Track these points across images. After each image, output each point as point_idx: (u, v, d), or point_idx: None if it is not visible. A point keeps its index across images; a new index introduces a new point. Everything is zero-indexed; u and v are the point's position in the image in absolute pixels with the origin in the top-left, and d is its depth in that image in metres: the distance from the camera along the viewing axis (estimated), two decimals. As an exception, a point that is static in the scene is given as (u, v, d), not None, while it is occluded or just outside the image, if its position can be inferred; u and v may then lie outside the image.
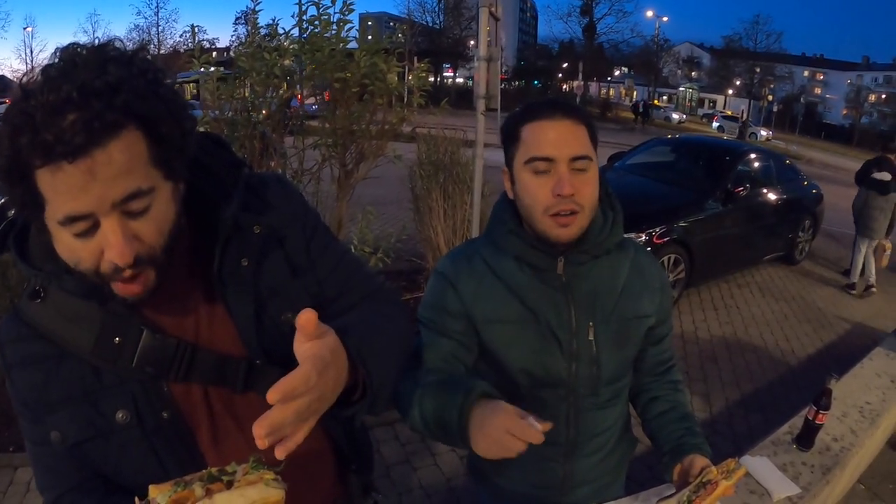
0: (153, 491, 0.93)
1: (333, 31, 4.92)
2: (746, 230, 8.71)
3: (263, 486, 0.96)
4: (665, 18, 71.53)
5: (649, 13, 70.16)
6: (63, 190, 0.95)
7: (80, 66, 0.96)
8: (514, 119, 1.66)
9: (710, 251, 7.95)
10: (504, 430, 1.33)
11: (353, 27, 5.11)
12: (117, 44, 1.04)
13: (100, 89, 0.93)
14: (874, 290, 9.51)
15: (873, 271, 9.49)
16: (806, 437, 2.99)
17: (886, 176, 9.01)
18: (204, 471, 0.97)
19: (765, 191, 9.26)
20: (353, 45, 5.17)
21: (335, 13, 4.94)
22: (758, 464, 2.75)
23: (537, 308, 1.71)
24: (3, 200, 1.05)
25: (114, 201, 0.98)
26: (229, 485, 0.96)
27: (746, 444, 3.09)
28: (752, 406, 5.64)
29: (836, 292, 9.44)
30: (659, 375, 1.95)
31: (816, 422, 2.91)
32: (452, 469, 4.38)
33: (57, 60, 0.98)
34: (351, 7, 4.99)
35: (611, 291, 1.75)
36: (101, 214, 0.98)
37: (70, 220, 0.98)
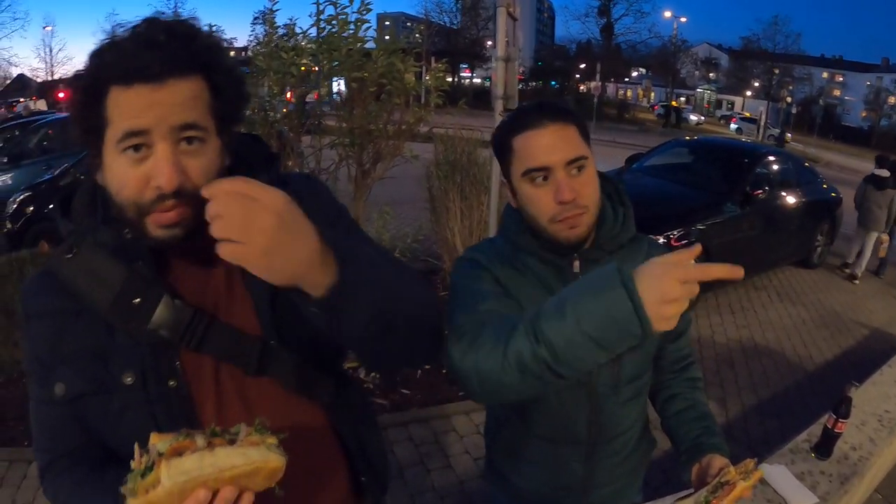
0: (154, 438, 0.94)
1: (351, 31, 4.93)
2: (764, 233, 8.64)
3: (265, 449, 0.97)
4: (683, 19, 71.24)
5: (667, 14, 69.81)
6: (130, 107, 1.05)
7: (164, 21, 1.12)
8: (504, 131, 1.64)
9: (728, 254, 7.87)
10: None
11: (370, 27, 5.11)
12: (194, 20, 1.18)
13: (181, 34, 1.09)
14: (857, 281, 10.17)
15: (864, 264, 10.20)
16: (824, 446, 2.96)
17: (885, 172, 9.78)
18: (207, 428, 0.98)
19: (783, 194, 9.20)
20: (369, 44, 5.18)
21: (353, 13, 4.95)
22: (775, 472, 2.73)
23: None
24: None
25: (172, 125, 1.07)
26: (231, 442, 0.96)
27: (762, 449, 3.07)
28: (768, 412, 5.60)
29: (854, 297, 9.36)
30: (677, 372, 1.95)
31: (835, 430, 2.89)
32: (466, 471, 4.37)
33: (143, 20, 1.12)
34: (368, 7, 4.99)
35: None
36: (158, 137, 1.07)
37: (128, 135, 1.06)
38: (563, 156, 1.54)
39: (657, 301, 1.11)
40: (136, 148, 1.07)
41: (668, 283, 1.11)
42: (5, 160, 12.93)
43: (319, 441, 1.38)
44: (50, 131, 13.67)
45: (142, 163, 1.08)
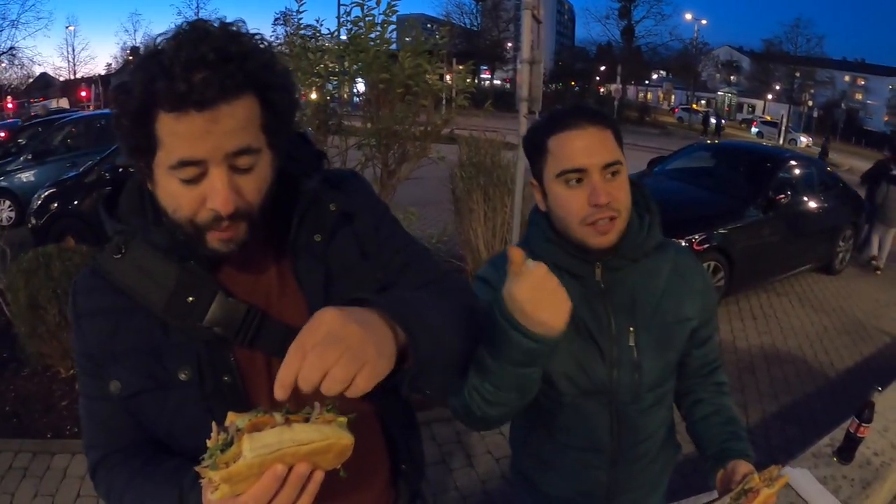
0: (232, 416, 0.97)
1: (378, 32, 4.96)
2: (787, 238, 8.59)
3: (337, 428, 1.01)
4: (704, 21, 70.62)
5: (688, 16, 69.53)
6: (184, 135, 1.05)
7: (213, 34, 1.07)
8: (539, 131, 1.65)
9: (751, 259, 7.87)
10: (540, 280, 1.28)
11: (395, 28, 5.16)
12: (241, 24, 1.16)
13: (233, 54, 1.05)
14: (879, 272, 10.88)
15: (884, 256, 10.98)
16: (847, 451, 2.96)
17: None
18: (282, 407, 1.01)
19: (806, 199, 9.15)
20: (393, 46, 5.21)
21: (379, 14, 4.99)
22: (798, 476, 2.73)
23: (576, 315, 1.66)
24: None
25: (227, 152, 1.08)
26: (306, 420, 1.00)
27: (783, 456, 3.08)
28: (789, 418, 5.58)
29: (877, 304, 9.28)
30: (704, 377, 1.93)
31: (858, 435, 2.88)
32: (488, 471, 4.40)
33: (188, 28, 1.08)
34: (395, 8, 5.03)
35: (651, 295, 1.73)
36: (213, 163, 1.08)
37: (183, 164, 1.07)
38: (601, 159, 1.55)
39: (523, 314, 1.27)
40: (192, 171, 1.08)
41: (522, 292, 1.26)
42: (30, 157, 13.09)
43: (366, 430, 1.39)
44: (74, 129, 13.80)
45: (196, 184, 1.10)
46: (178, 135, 1.05)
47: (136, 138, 1.09)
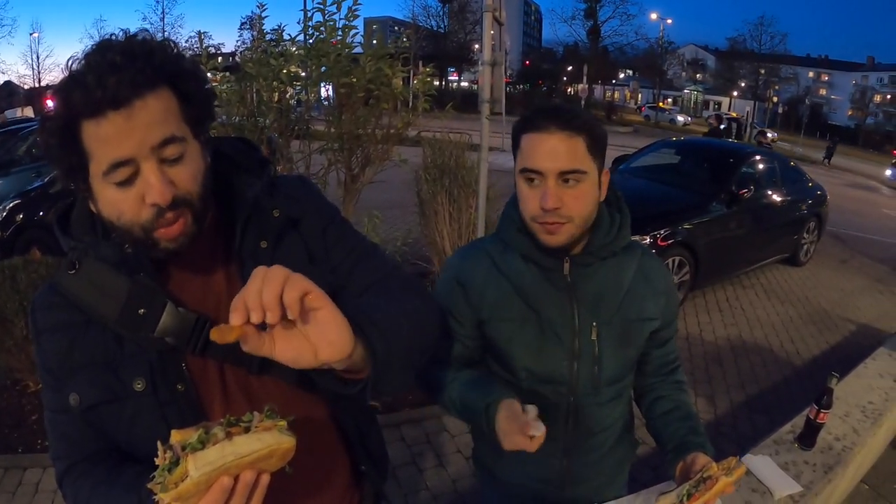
0: (176, 435, 0.99)
1: (339, 37, 4.97)
2: (751, 232, 8.71)
3: (277, 433, 1.04)
4: (669, 21, 71.07)
5: (653, 16, 69.99)
6: (108, 138, 1.08)
7: (118, 42, 1.12)
8: (518, 126, 1.70)
9: (715, 253, 7.96)
10: (513, 434, 1.56)
11: (357, 32, 5.16)
12: (145, 33, 1.19)
13: (138, 53, 1.10)
14: None
15: None
16: (808, 436, 3.02)
17: None
18: (223, 418, 1.04)
19: (769, 192, 9.27)
20: (357, 49, 5.22)
21: (340, 19, 4.99)
22: (759, 462, 2.78)
23: (540, 307, 1.76)
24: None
25: (152, 145, 1.10)
26: (247, 430, 1.02)
27: (750, 445, 3.11)
28: (756, 408, 5.66)
29: (842, 294, 9.43)
30: (664, 376, 1.99)
31: (818, 421, 2.94)
32: (458, 471, 4.42)
33: (95, 45, 1.13)
34: (356, 13, 5.03)
35: (615, 293, 1.79)
36: (141, 159, 1.10)
37: (114, 167, 1.10)
38: (559, 165, 1.60)
39: (505, 436, 1.60)
40: (125, 172, 1.11)
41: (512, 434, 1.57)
42: None
43: (322, 432, 1.44)
44: (39, 138, 13.54)
45: (132, 185, 1.12)
46: (102, 139, 1.08)
47: (68, 157, 1.12)
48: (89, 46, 1.13)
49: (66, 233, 1.28)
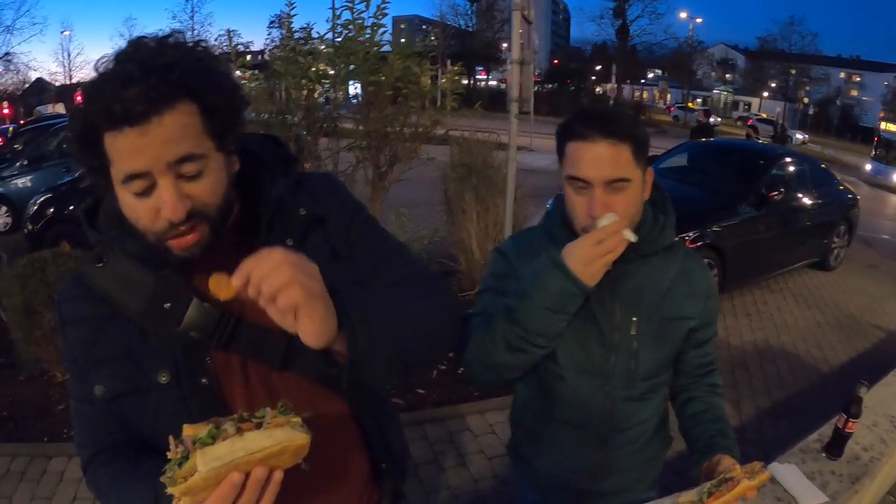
0: (187, 430, 1.01)
1: (367, 35, 4.98)
2: (780, 235, 8.61)
3: (290, 429, 1.04)
4: (699, 20, 70.61)
5: (683, 14, 69.51)
6: (124, 151, 1.09)
7: (141, 50, 1.12)
8: (562, 132, 1.71)
9: (744, 256, 7.88)
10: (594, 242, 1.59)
11: (386, 31, 5.17)
12: (178, 35, 1.19)
13: (157, 67, 1.08)
14: None
15: None
16: (835, 446, 2.97)
17: None
18: (235, 414, 1.04)
19: (799, 195, 9.15)
20: (385, 48, 5.23)
21: (369, 17, 5.01)
22: (785, 471, 2.75)
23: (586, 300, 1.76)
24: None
25: (168, 162, 1.10)
26: (258, 426, 1.03)
27: (776, 451, 3.08)
28: (782, 414, 5.60)
29: (871, 299, 9.30)
30: (699, 377, 2.01)
31: (846, 430, 2.90)
32: (480, 471, 4.41)
33: (124, 47, 1.14)
34: (384, 11, 5.04)
35: (656, 291, 1.82)
36: (157, 174, 1.11)
37: (130, 178, 1.11)
38: (605, 174, 1.62)
39: (581, 264, 1.59)
40: (140, 184, 1.12)
41: (584, 248, 1.59)
42: (25, 163, 13.07)
43: (341, 429, 1.44)
44: (66, 137, 13.73)
45: (148, 196, 1.13)
46: (120, 151, 1.10)
47: (90, 159, 1.15)
48: (121, 47, 1.14)
49: (94, 227, 1.30)
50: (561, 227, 1.82)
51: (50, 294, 4.92)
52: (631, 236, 1.60)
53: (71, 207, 9.55)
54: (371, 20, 4.99)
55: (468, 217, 6.64)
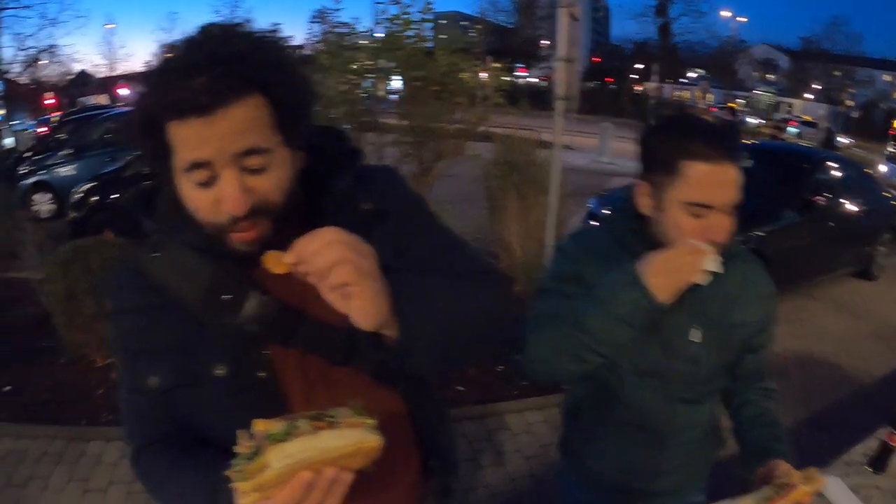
0: (260, 424, 1.00)
1: (414, 30, 4.98)
2: (823, 241, 8.46)
3: (363, 431, 1.03)
4: (741, 18, 69.43)
5: (725, 13, 68.51)
6: (188, 141, 1.09)
7: (210, 38, 1.12)
8: (672, 145, 1.64)
9: (785, 262, 7.73)
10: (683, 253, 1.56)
11: (432, 26, 5.17)
12: (247, 24, 1.19)
13: (226, 57, 1.07)
14: None
15: None
16: (880, 460, 2.92)
17: None
18: (309, 411, 1.04)
19: (843, 201, 8.99)
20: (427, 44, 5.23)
21: (416, 12, 5.01)
22: (829, 483, 2.70)
23: None
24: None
25: (232, 154, 1.10)
26: (332, 425, 1.02)
27: (814, 463, 3.03)
28: (820, 424, 5.49)
29: (914, 310, 9.09)
30: (754, 381, 2.00)
31: (892, 444, 2.85)
32: (517, 470, 4.42)
33: (192, 34, 1.13)
34: (430, 7, 5.04)
35: (720, 298, 1.81)
36: (221, 166, 1.10)
37: (192, 167, 1.11)
38: (732, 200, 1.61)
39: (662, 280, 1.55)
40: (203, 174, 1.11)
41: (667, 265, 1.56)
42: (70, 152, 13.32)
43: (396, 426, 1.42)
44: (112, 124, 14.05)
45: (210, 187, 1.12)
46: (184, 140, 1.09)
47: (151, 146, 1.14)
48: (190, 33, 1.14)
49: (149, 215, 1.30)
50: (630, 234, 1.79)
51: (91, 281, 5.01)
52: (719, 267, 1.57)
53: (114, 196, 9.70)
54: (419, 15, 5.00)
55: (510, 214, 6.60)
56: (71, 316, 5.14)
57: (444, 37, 5.42)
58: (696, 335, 1.80)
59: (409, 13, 4.98)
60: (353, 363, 1.30)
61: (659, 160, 1.67)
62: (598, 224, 1.97)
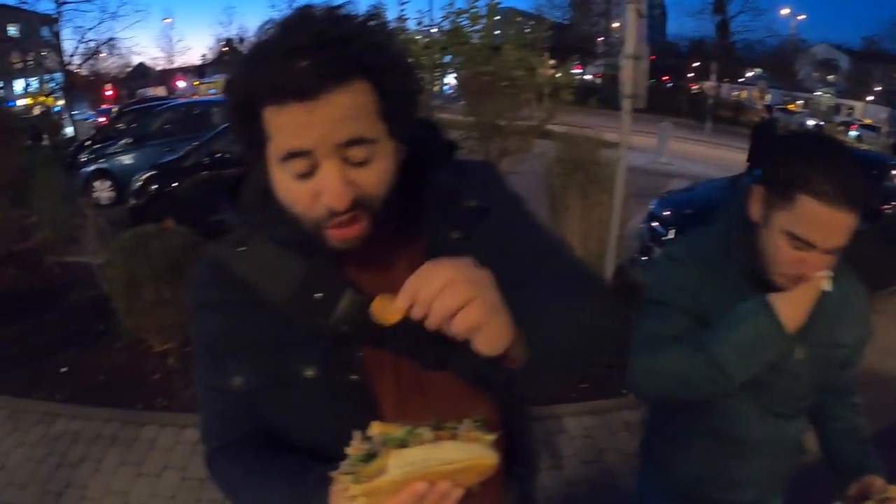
0: (377, 427, 0.96)
1: (482, 24, 4.94)
2: (889, 252, 8.17)
3: (482, 447, 0.99)
4: (801, 16, 67.90)
5: (784, 11, 67.14)
6: (287, 127, 1.01)
7: (312, 20, 1.02)
8: (797, 172, 1.56)
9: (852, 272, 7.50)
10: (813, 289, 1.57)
11: (498, 19, 5.12)
12: (349, 6, 1.08)
13: (333, 39, 0.99)
14: None
15: None
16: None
17: None
18: (431, 421, 0.99)
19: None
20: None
21: (483, 6, 4.97)
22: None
23: None
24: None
25: (336, 143, 1.02)
26: (453, 437, 0.98)
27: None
28: (883, 443, 5.29)
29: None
30: (842, 397, 2.00)
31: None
32: (574, 474, 4.35)
33: (290, 16, 1.05)
34: (497, 3, 4.99)
35: (824, 318, 1.75)
36: (322, 156, 1.02)
37: (290, 156, 1.03)
38: (837, 244, 1.56)
39: (791, 312, 1.58)
40: (302, 164, 1.04)
41: (798, 301, 1.59)
42: (130, 141, 13.71)
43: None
44: (171, 115, 14.43)
45: (309, 178, 1.05)
46: (282, 127, 1.02)
47: (247, 132, 1.08)
48: (286, 15, 1.06)
49: (235, 207, 1.24)
50: (741, 246, 1.73)
51: (152, 268, 5.10)
52: (830, 287, 1.58)
53: (174, 185, 9.89)
54: (486, 9, 4.95)
55: (572, 214, 6.54)
56: (130, 301, 5.23)
57: (512, 33, 5.35)
58: (799, 353, 1.77)
59: (476, 7, 4.92)
60: (449, 367, 1.22)
61: (780, 180, 1.60)
62: (707, 229, 1.90)
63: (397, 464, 0.92)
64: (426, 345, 1.18)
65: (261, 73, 1.00)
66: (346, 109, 1.01)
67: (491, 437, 1.00)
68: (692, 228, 1.94)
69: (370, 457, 0.93)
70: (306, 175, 1.05)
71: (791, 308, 1.58)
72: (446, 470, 0.96)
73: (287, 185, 1.08)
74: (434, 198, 1.24)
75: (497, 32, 5.09)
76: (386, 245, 1.21)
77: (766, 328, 1.59)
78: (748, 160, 13.62)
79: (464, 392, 1.25)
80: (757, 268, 1.69)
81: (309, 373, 1.18)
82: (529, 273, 1.29)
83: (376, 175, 1.08)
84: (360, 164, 1.06)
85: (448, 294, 0.93)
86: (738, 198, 1.77)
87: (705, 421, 1.89)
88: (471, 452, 0.97)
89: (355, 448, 0.95)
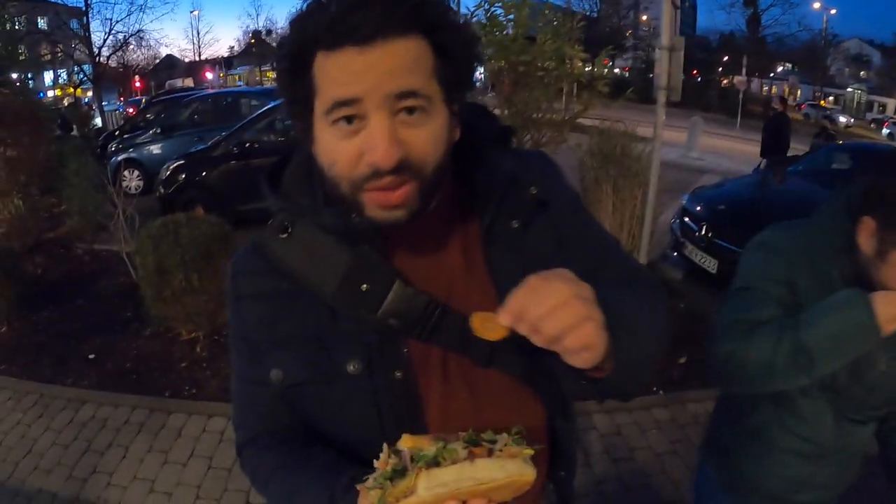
0: (407, 441, 0.91)
1: (516, 13, 4.89)
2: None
3: (521, 462, 0.93)
4: (833, 11, 66.79)
5: (816, 5, 66.15)
6: (339, 75, 0.95)
7: None
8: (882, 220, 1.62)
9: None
10: None
11: (536, 9, 5.07)
12: None
13: None
14: None
15: None
16: None
17: None
18: (464, 433, 0.94)
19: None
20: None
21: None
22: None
23: None
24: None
25: (387, 93, 0.95)
26: (490, 453, 0.92)
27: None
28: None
29: None
30: None
31: None
32: (604, 472, 4.27)
33: None
34: (533, -8, 4.94)
35: None
36: (372, 106, 0.96)
37: (337, 105, 0.97)
38: None
39: (889, 313, 1.54)
40: (349, 119, 0.97)
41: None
42: (158, 131, 13.88)
43: (533, 435, 1.29)
44: (200, 106, 14.62)
45: (355, 135, 0.98)
46: (332, 74, 0.96)
47: (295, 86, 1.02)
48: None
49: (277, 192, 1.17)
50: (842, 253, 1.72)
51: (182, 256, 5.12)
52: None
53: (202, 174, 9.94)
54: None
55: (604, 207, 6.46)
56: (159, 289, 5.24)
57: (542, 24, 5.27)
58: (881, 364, 1.75)
59: (511, -3, 4.87)
60: (499, 365, 1.16)
61: (880, 209, 1.63)
62: (806, 222, 1.87)
63: (428, 486, 0.86)
64: (479, 340, 1.13)
65: (317, 19, 0.95)
66: (402, 59, 0.96)
67: (531, 450, 0.95)
68: (788, 220, 1.91)
69: (398, 473, 0.88)
70: (351, 133, 0.98)
71: (890, 308, 1.54)
72: (482, 489, 0.90)
73: (331, 144, 1.02)
74: (493, 183, 1.17)
75: (533, 23, 5.01)
76: (436, 230, 1.16)
77: (859, 319, 1.55)
78: (761, 154, 13.79)
79: (513, 391, 1.20)
80: (863, 283, 1.66)
81: (352, 368, 1.12)
82: (592, 273, 1.18)
83: (428, 136, 1.01)
84: (412, 122, 0.99)
85: (561, 315, 0.87)
86: (839, 200, 1.77)
87: (783, 420, 1.89)
88: (507, 470, 0.91)
89: (383, 462, 0.91)
